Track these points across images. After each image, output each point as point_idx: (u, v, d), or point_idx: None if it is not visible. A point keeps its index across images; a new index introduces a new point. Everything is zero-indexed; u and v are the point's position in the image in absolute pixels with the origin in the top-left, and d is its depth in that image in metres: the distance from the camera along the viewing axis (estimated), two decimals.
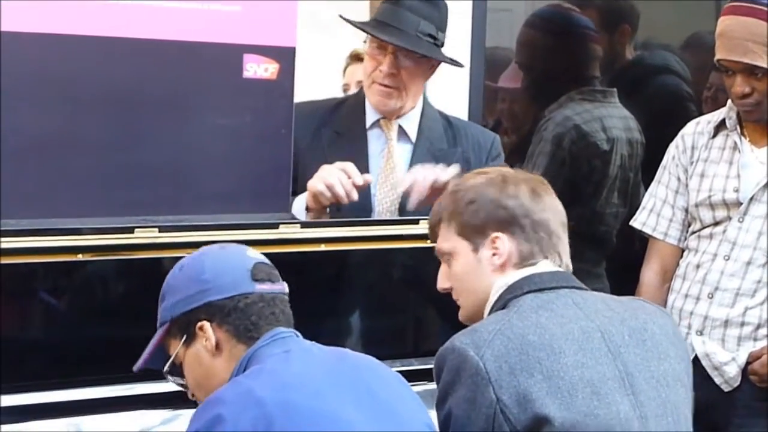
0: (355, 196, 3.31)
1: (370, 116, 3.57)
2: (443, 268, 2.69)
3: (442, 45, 3.52)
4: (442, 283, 2.69)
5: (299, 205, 3.37)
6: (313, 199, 3.33)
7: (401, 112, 3.55)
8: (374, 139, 3.58)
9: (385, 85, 3.49)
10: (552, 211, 2.62)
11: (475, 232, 2.60)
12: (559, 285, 2.55)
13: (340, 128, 3.59)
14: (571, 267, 2.66)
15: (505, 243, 2.58)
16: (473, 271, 2.61)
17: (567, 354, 2.39)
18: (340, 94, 4.54)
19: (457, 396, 2.39)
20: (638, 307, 2.61)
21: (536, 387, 2.34)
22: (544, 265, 2.58)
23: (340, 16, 3.59)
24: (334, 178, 3.31)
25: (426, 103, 3.62)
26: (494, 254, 2.59)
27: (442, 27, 3.52)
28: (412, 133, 3.57)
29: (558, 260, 2.61)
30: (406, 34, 3.44)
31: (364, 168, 3.47)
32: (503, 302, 2.53)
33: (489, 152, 3.61)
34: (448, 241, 2.65)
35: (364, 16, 4.47)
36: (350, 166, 3.35)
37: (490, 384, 2.34)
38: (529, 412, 2.33)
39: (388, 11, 3.50)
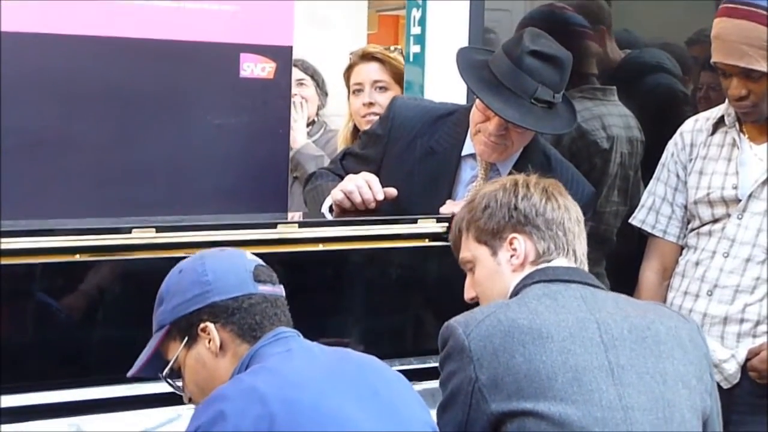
0: (373, 205, 3.33)
1: (469, 147, 3.49)
2: (468, 278, 2.76)
3: (558, 102, 3.38)
4: (468, 293, 2.76)
5: (326, 206, 3.40)
6: (336, 205, 3.37)
7: (501, 159, 3.45)
8: (466, 167, 3.51)
9: (492, 141, 3.37)
10: (565, 210, 2.68)
11: (492, 236, 2.68)
12: (571, 279, 2.60)
13: (436, 146, 3.51)
14: (585, 265, 2.70)
15: (521, 243, 2.65)
16: (494, 274, 2.68)
17: (555, 340, 2.44)
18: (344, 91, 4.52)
19: (446, 371, 2.49)
20: (651, 309, 2.63)
21: (515, 370, 2.40)
22: (560, 261, 2.64)
23: (460, 72, 3.39)
24: (352, 185, 3.34)
25: (533, 140, 3.49)
26: (512, 255, 2.66)
27: (560, 88, 3.36)
28: (505, 171, 3.43)
29: (573, 258, 2.67)
30: (519, 102, 3.29)
31: (447, 193, 3.45)
32: (515, 291, 2.60)
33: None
34: (469, 249, 2.73)
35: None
36: (374, 180, 3.36)
37: (472, 362, 2.42)
38: (504, 393, 2.39)
39: (507, 72, 3.31)
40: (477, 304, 2.71)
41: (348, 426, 2.22)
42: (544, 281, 2.58)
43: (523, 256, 2.64)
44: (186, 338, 2.41)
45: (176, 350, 2.43)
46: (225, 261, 2.45)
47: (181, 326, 2.41)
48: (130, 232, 2.85)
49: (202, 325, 2.39)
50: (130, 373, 2.50)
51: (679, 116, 3.92)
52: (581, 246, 2.69)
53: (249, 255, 2.49)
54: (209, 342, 2.38)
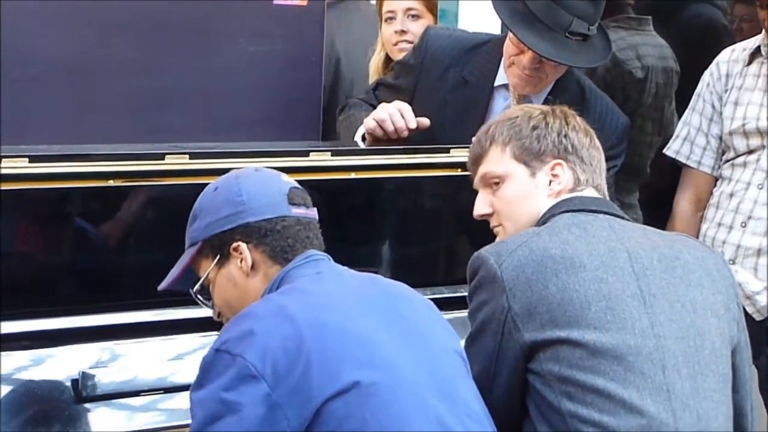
0: (405, 133, 3.32)
1: (502, 78, 3.47)
2: (484, 194, 2.71)
3: (593, 34, 3.34)
4: (482, 209, 2.71)
5: (358, 135, 3.40)
6: (368, 133, 3.36)
7: (536, 91, 3.43)
8: (499, 97, 3.49)
9: (527, 74, 3.35)
10: (599, 152, 2.69)
11: (534, 157, 2.64)
12: (599, 209, 2.59)
13: (469, 76, 3.49)
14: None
15: (565, 171, 2.63)
16: (528, 195, 2.64)
17: (588, 269, 2.43)
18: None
19: (477, 300, 2.48)
20: (677, 240, 2.62)
21: (548, 299, 2.40)
22: (590, 192, 2.64)
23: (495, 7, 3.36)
24: (385, 113, 3.33)
25: (567, 71, 3.44)
26: (552, 181, 2.63)
27: (594, 20, 3.32)
28: (538, 102, 3.40)
29: (602, 194, 2.67)
30: (553, 36, 3.26)
31: (479, 124, 3.34)
32: (543, 220, 2.59)
33: (609, 137, 3.29)
34: (502, 164, 2.67)
35: None
36: (406, 108, 3.35)
37: (505, 292, 2.42)
38: (537, 322, 2.39)
39: (541, 5, 3.27)
40: (486, 223, 2.69)
41: (375, 349, 2.23)
42: (572, 211, 2.57)
43: (564, 183, 2.62)
44: (218, 256, 2.42)
45: (207, 267, 2.44)
46: (260, 182, 2.45)
47: (214, 244, 2.42)
48: (163, 158, 2.86)
49: (234, 245, 2.40)
50: (161, 287, 2.51)
51: (720, 49, 3.88)
52: (606, 185, 2.70)
53: (284, 177, 2.49)
54: (241, 261, 2.40)
